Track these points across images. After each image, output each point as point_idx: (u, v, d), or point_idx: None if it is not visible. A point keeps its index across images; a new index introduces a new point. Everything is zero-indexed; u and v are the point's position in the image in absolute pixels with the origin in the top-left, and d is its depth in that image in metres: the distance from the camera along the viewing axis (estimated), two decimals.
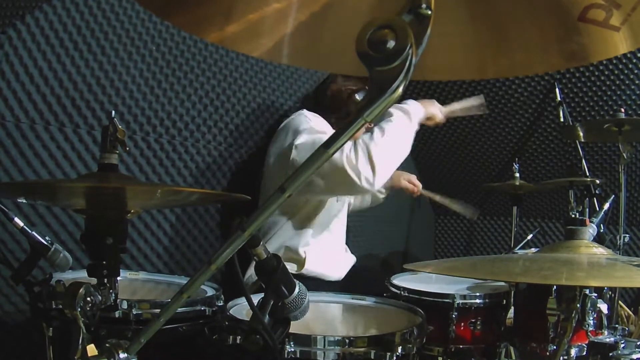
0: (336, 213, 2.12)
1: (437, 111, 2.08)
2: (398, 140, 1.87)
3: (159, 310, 1.06)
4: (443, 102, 2.18)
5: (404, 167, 3.39)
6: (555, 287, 1.20)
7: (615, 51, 0.67)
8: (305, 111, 2.06)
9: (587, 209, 2.07)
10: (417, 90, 3.11)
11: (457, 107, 2.20)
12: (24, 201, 1.59)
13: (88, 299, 0.84)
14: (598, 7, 0.58)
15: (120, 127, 0.97)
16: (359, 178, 1.73)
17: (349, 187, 1.78)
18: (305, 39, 0.71)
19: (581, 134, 2.31)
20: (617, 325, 1.39)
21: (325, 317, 1.50)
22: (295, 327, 0.95)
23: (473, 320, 1.67)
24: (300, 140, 1.85)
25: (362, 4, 0.67)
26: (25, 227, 1.16)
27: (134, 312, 1.25)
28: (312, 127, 1.91)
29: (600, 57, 0.71)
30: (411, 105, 1.96)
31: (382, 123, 1.88)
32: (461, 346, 1.65)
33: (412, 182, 2.45)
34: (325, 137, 1.99)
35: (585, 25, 0.62)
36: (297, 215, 2.01)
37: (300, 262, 1.96)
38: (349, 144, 1.77)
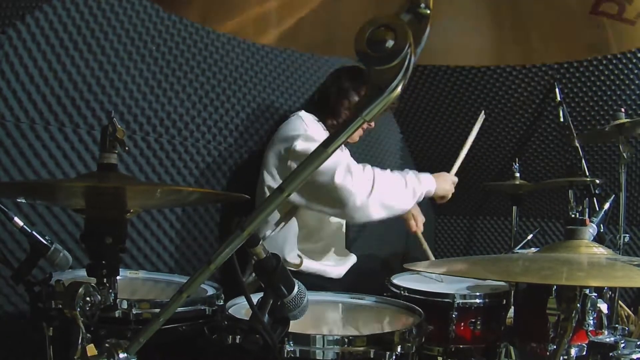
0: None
1: (449, 188, 2.09)
2: (403, 191, 1.85)
3: (158, 309, 1.06)
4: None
5: (402, 163, 3.39)
6: (555, 287, 1.20)
7: (632, 44, 0.65)
8: (302, 113, 2.05)
9: (587, 209, 2.06)
10: (417, 90, 3.11)
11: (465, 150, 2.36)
12: (24, 201, 1.59)
13: (87, 298, 0.84)
14: (610, 1, 0.58)
15: (119, 126, 0.97)
16: (350, 194, 1.72)
17: (333, 204, 1.77)
18: (314, 26, 0.70)
19: (577, 145, 2.34)
20: (617, 325, 1.38)
21: (324, 317, 1.50)
22: (294, 326, 0.95)
23: (473, 320, 1.67)
24: (297, 146, 1.85)
25: None
26: (25, 226, 1.16)
27: (134, 312, 1.26)
28: (309, 134, 1.90)
29: (619, 49, 0.69)
30: (426, 178, 1.96)
31: (401, 172, 1.90)
32: (461, 346, 1.65)
33: (416, 220, 2.27)
34: None
35: (601, 17, 0.62)
36: (286, 226, 2.01)
37: (296, 265, 1.97)
38: (348, 163, 1.76)
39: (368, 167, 1.83)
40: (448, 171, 2.21)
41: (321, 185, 1.74)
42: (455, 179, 2.16)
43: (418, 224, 2.31)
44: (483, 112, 2.54)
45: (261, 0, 0.61)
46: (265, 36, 0.71)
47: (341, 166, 1.74)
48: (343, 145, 2.15)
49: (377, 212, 1.80)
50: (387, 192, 1.80)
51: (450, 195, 2.11)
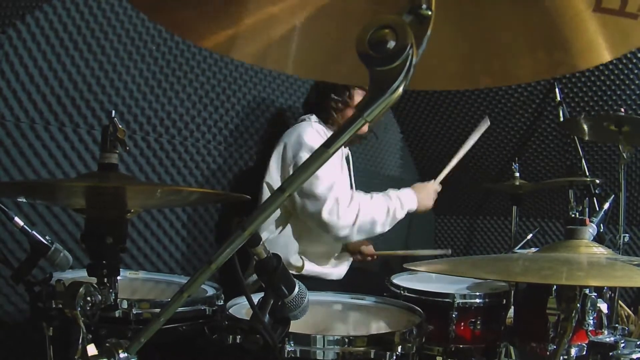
0: None
1: (430, 203, 2.15)
2: (384, 219, 1.96)
3: (159, 309, 1.06)
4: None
5: (402, 163, 3.39)
6: (555, 286, 1.20)
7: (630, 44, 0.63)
8: (314, 119, 2.05)
9: (587, 209, 2.06)
10: (417, 90, 3.11)
11: (463, 152, 2.31)
12: (24, 200, 1.59)
13: (88, 298, 0.84)
14: None
15: (120, 126, 0.96)
16: (335, 228, 1.86)
17: (319, 227, 1.91)
18: (301, 48, 0.70)
19: (585, 127, 2.28)
20: (617, 325, 1.39)
21: (325, 317, 1.50)
22: (295, 326, 0.95)
23: (473, 320, 1.67)
24: (304, 158, 1.85)
25: (359, 12, 0.66)
26: (25, 226, 1.16)
27: (134, 312, 1.26)
28: (314, 148, 1.90)
29: (616, 54, 0.67)
30: (408, 200, 2.04)
31: (385, 197, 1.98)
32: (461, 346, 1.65)
33: (368, 249, 2.36)
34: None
35: (597, 20, 0.61)
36: (288, 228, 2.02)
37: (299, 268, 1.98)
38: (337, 197, 1.87)
39: (355, 199, 1.91)
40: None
41: (310, 213, 1.89)
42: (439, 188, 2.21)
43: (369, 252, 2.33)
44: (487, 117, 2.49)
45: (245, 15, 0.60)
46: (245, 54, 0.71)
47: (329, 200, 1.86)
48: (349, 161, 2.20)
49: (357, 237, 1.96)
50: (368, 222, 1.93)
51: (430, 208, 2.17)
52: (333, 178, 1.90)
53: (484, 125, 2.44)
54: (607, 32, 0.61)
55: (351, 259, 2.23)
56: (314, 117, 2.06)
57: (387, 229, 2.01)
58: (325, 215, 1.85)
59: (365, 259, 2.30)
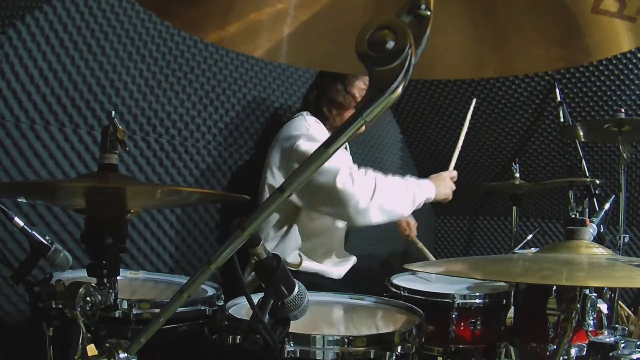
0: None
1: (448, 191, 2.07)
2: (403, 196, 1.86)
3: (159, 309, 1.06)
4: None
5: (402, 163, 3.38)
6: (555, 287, 1.20)
7: (626, 45, 0.64)
8: (306, 114, 2.06)
9: (587, 209, 2.06)
10: (417, 91, 3.11)
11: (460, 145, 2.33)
12: (24, 201, 1.59)
13: (88, 298, 0.84)
14: None
15: (120, 127, 0.97)
16: (352, 199, 1.72)
17: (334, 205, 1.76)
18: (306, 39, 0.71)
19: (581, 134, 2.31)
20: (617, 325, 1.39)
21: (324, 317, 1.50)
22: (294, 326, 0.95)
23: (473, 320, 1.67)
24: (300, 146, 1.85)
25: (362, 4, 0.67)
26: (25, 226, 1.16)
27: (134, 312, 1.25)
28: (311, 134, 1.91)
29: (614, 51, 0.68)
30: (426, 185, 1.97)
31: (401, 178, 1.91)
32: (461, 346, 1.65)
33: (409, 225, 2.43)
34: None
35: (596, 20, 0.61)
36: (287, 227, 2.02)
37: (296, 265, 1.98)
38: (350, 167, 1.78)
39: (370, 171, 1.83)
40: (447, 165, 2.22)
41: (323, 186, 1.74)
42: (455, 174, 2.15)
43: (411, 228, 2.39)
44: (474, 99, 2.52)
45: (255, 8, 0.61)
46: (254, 48, 0.72)
47: (343, 169, 1.74)
48: (347, 148, 2.20)
49: (376, 216, 1.80)
50: (388, 196, 1.80)
51: (451, 197, 2.10)
52: (340, 154, 1.85)
53: (472, 105, 2.47)
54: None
55: (354, 260, 2.23)
56: (305, 113, 2.07)
57: (407, 211, 1.89)
58: (339, 185, 1.69)
59: (405, 233, 2.40)
